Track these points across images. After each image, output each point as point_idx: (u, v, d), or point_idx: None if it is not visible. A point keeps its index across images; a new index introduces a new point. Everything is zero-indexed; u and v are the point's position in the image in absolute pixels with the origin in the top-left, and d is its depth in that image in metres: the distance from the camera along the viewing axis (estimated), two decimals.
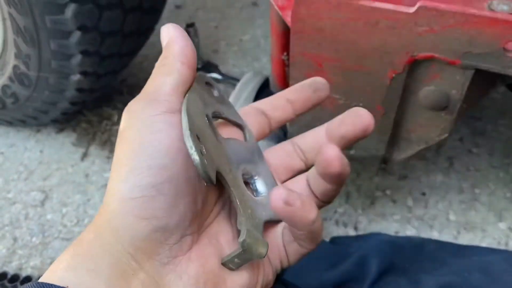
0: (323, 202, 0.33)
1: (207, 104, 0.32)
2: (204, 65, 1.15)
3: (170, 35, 0.30)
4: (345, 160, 0.27)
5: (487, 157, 0.97)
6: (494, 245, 0.85)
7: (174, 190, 0.26)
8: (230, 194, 0.29)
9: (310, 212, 0.27)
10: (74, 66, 0.81)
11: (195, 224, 0.28)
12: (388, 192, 0.93)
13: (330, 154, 0.27)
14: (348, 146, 0.35)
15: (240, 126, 0.35)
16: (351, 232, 0.89)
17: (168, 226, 0.26)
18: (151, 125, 0.27)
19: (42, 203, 0.95)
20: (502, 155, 0.97)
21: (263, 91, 0.88)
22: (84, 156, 1.02)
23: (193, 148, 0.25)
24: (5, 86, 0.90)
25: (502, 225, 0.87)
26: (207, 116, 0.31)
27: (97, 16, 0.76)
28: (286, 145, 0.37)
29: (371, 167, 0.96)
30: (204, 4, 1.37)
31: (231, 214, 0.32)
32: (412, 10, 0.52)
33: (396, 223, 0.90)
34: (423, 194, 0.92)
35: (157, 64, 0.31)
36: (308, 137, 0.36)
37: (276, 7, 0.65)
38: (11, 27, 0.78)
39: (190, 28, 1.08)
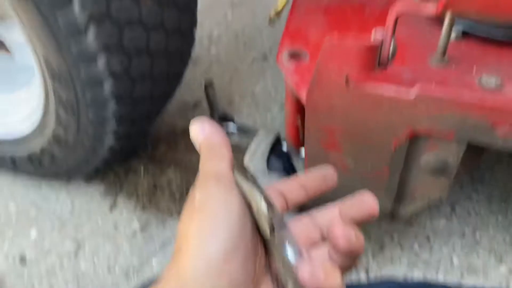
0: (343, 270, 0.38)
1: None
2: (221, 118, 1.25)
3: (208, 131, 0.40)
4: (353, 238, 0.34)
5: (486, 203, 1.05)
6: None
7: (245, 251, 0.33)
8: (274, 250, 0.36)
9: (334, 280, 0.34)
10: (108, 131, 0.91)
11: (253, 284, 0.35)
12: (395, 237, 1.01)
13: (337, 233, 0.34)
14: (358, 225, 0.41)
15: None
16: (363, 276, 0.96)
17: (239, 281, 0.33)
18: (221, 199, 0.35)
19: (75, 253, 1.02)
20: (500, 200, 1.05)
21: (276, 147, 0.97)
22: (113, 207, 1.10)
23: (262, 199, 0.34)
24: (43, 148, 0.99)
25: (503, 268, 0.94)
26: None
27: (131, 88, 0.85)
28: (304, 218, 0.43)
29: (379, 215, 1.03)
30: (218, 59, 1.48)
31: (273, 277, 0.38)
32: (411, 96, 0.61)
33: (404, 266, 0.97)
34: (428, 238, 1.00)
35: (205, 152, 0.39)
36: (323, 213, 0.42)
37: (291, 85, 0.74)
38: (53, 98, 0.88)
39: (208, 85, 1.18)
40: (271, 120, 1.28)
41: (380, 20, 0.87)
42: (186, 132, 1.29)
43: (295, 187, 0.44)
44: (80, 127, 0.90)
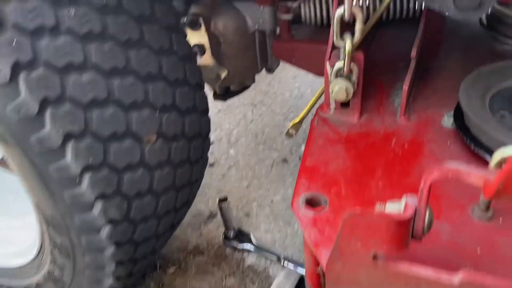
0: None
1: None
2: (237, 235, 1.15)
3: None
4: None
5: None
6: None
7: None
8: None
9: None
10: (107, 273, 0.81)
11: None
12: None
13: None
14: None
15: None
16: None
17: None
18: None
19: None
20: None
21: None
22: None
23: None
24: (38, 284, 0.91)
25: None
26: None
27: (131, 231, 0.77)
28: None
29: None
30: (236, 162, 1.40)
31: None
32: (455, 281, 0.49)
33: None
34: None
35: None
36: None
37: (309, 243, 0.64)
38: (48, 239, 0.80)
39: (223, 202, 1.10)
40: (291, 237, 1.17)
41: (410, 155, 0.77)
42: (198, 250, 1.19)
43: None
44: (76, 269, 0.81)
